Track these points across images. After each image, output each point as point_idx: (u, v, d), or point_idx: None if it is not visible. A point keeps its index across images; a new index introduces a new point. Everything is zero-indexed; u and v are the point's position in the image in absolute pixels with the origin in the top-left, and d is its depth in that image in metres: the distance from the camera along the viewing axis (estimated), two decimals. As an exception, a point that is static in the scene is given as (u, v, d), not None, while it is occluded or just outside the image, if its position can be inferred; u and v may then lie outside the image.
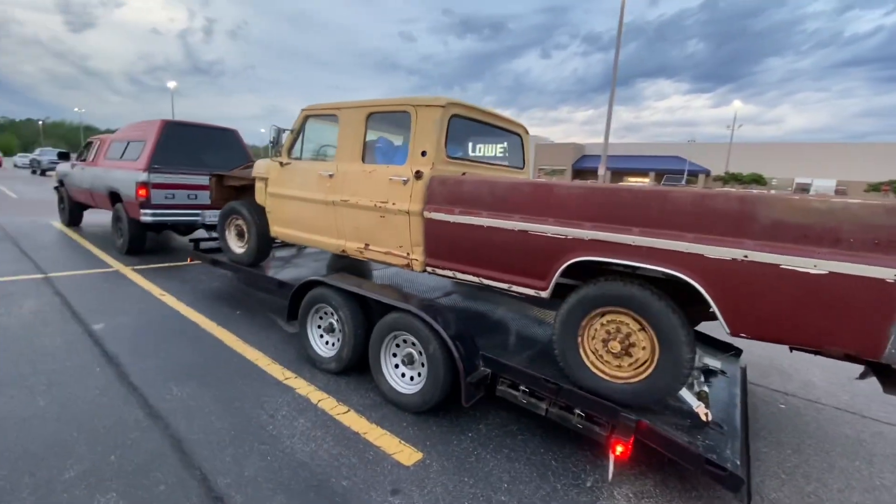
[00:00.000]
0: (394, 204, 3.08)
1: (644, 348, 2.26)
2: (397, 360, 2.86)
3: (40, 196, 13.45)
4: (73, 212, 8.54)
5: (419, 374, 2.73)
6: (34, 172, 27.54)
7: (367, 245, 3.38)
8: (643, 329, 2.24)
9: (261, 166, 4.19)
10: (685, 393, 2.44)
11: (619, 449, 2.06)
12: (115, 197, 6.50)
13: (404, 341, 2.81)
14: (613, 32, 18.43)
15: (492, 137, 4.17)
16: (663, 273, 2.12)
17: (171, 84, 40.23)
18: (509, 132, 4.01)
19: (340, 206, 3.44)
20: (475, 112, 3.37)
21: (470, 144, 4.14)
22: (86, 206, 8.37)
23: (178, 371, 3.05)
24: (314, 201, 3.64)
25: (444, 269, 2.96)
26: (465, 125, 3.54)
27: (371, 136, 3.57)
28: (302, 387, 2.94)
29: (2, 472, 1.98)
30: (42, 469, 2.02)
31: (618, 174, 47.49)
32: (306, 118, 3.83)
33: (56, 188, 9.00)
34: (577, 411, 2.33)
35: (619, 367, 2.34)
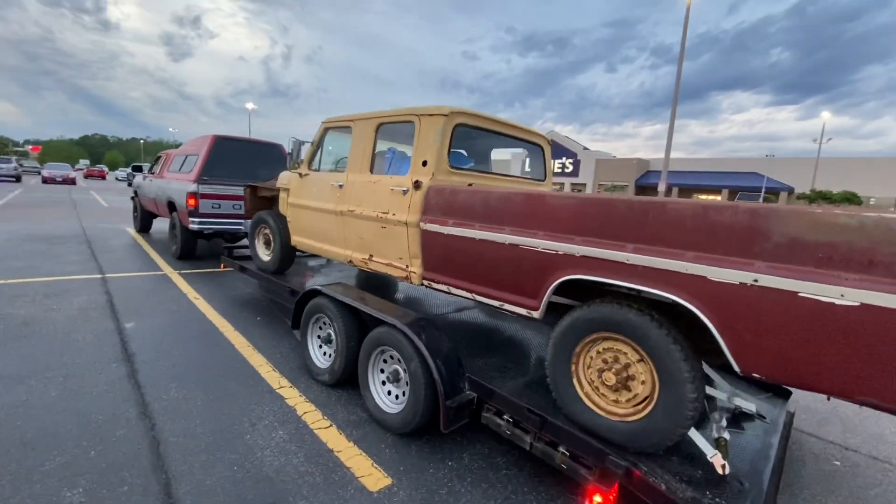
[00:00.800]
0: (394, 214, 3.01)
1: (643, 382, 1.98)
2: (384, 377, 2.74)
3: (126, 205, 15.01)
4: (143, 219, 9.41)
5: (403, 394, 2.59)
6: (129, 185, 31.13)
7: (371, 256, 3.32)
8: (643, 360, 1.96)
9: (283, 177, 4.32)
10: (699, 439, 2.09)
11: (598, 499, 1.78)
12: (171, 206, 7.05)
13: (391, 357, 2.69)
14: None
15: (509, 149, 3.98)
16: (659, 297, 1.84)
17: (250, 105, 43.88)
18: (529, 143, 3.81)
19: (347, 216, 3.43)
20: (485, 121, 3.23)
21: (484, 155, 3.99)
22: (154, 215, 9.18)
23: (184, 372, 3.14)
24: (326, 211, 3.67)
25: (439, 282, 2.82)
26: (477, 136, 3.42)
27: (382, 146, 3.55)
28: (293, 397, 2.91)
29: (-8, 458, 2.10)
30: (28, 458, 2.12)
31: (685, 191, 44.68)
32: (326, 130, 3.89)
33: (132, 198, 9.99)
34: (562, 449, 2.07)
35: (617, 402, 2.06)
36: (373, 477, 2.17)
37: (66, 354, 3.28)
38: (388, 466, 2.26)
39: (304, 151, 3.95)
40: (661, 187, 18.75)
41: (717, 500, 1.81)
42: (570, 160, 51.78)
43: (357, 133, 3.48)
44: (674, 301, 1.78)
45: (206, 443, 2.34)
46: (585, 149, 51.30)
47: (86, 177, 37.96)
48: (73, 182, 26.35)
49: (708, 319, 1.69)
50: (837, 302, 1.42)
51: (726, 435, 2.22)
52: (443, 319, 3.54)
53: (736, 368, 1.69)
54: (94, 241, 8.07)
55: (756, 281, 1.57)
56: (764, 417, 2.62)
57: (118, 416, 2.53)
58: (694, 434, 2.09)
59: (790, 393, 2.94)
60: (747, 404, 2.63)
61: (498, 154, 4.43)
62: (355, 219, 3.36)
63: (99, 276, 5.62)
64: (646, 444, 1.94)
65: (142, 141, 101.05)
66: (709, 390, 2.39)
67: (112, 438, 2.32)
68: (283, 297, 4.24)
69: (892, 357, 1.36)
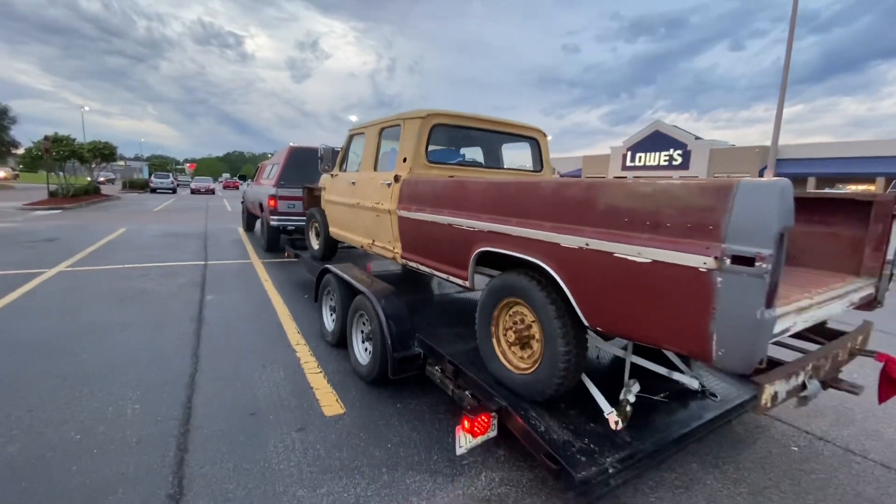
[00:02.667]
0: (381, 204, 3.58)
1: (538, 341, 2.28)
2: (363, 336, 3.32)
3: (245, 210, 17.86)
4: (248, 220, 11.28)
5: (373, 348, 3.14)
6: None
7: (373, 241, 3.93)
8: (536, 321, 2.27)
9: (323, 179, 5.15)
10: (599, 398, 2.31)
11: (466, 424, 2.13)
12: (261, 207, 8.48)
13: (367, 320, 3.26)
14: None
15: (500, 143, 4.29)
16: (531, 262, 2.14)
17: (353, 118, 48.18)
18: (520, 136, 4.11)
19: (357, 207, 4.09)
20: (464, 120, 3.63)
21: (483, 150, 4.35)
22: (256, 216, 10.97)
23: (232, 330, 4.07)
24: (346, 205, 4.38)
25: (411, 260, 3.32)
26: (457, 134, 3.84)
27: (386, 147, 4.14)
28: (303, 352, 3.63)
29: (70, 381, 3.12)
30: (113, 374, 3.10)
31: (826, 181, 37.83)
32: (351, 137, 4.61)
33: (242, 202, 12.01)
34: (468, 392, 2.44)
35: (522, 358, 2.39)
36: (332, 407, 2.77)
37: (159, 314, 4.44)
38: (347, 402, 2.84)
39: (332, 156, 4.71)
40: (768, 176, 16.67)
41: (591, 445, 2.05)
42: (679, 151, 46.80)
43: (367, 137, 4.13)
44: (539, 265, 2.07)
45: (226, 376, 3.15)
46: (697, 138, 46.07)
47: (224, 187, 45.10)
48: (212, 192, 31.61)
49: (561, 280, 1.97)
50: (637, 259, 1.65)
51: (631, 398, 2.38)
52: (442, 299, 4.02)
53: (585, 323, 1.94)
54: (210, 237, 9.98)
55: (587, 244, 1.83)
56: (715, 396, 2.66)
57: (177, 354, 3.48)
58: (595, 393, 2.33)
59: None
60: (690, 381, 2.70)
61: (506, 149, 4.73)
62: (361, 209, 4.00)
63: (203, 262, 7.11)
64: (535, 393, 2.23)
65: (269, 155, 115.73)
66: (636, 360, 2.55)
67: (167, 367, 3.24)
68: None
69: (674, 306, 1.55)
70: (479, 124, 3.75)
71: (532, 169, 4.32)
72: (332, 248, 5.37)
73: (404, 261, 3.44)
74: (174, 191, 31.27)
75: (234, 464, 2.18)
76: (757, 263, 1.31)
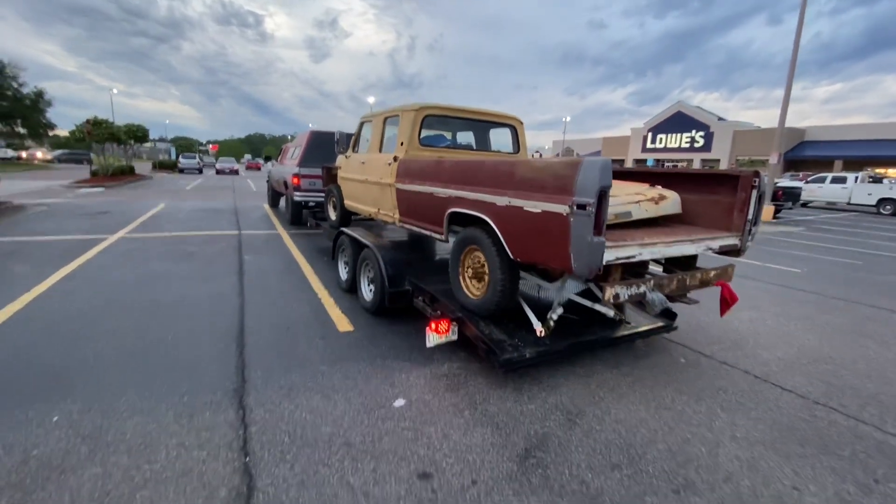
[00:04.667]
0: (384, 179, 4.53)
1: (487, 274, 3.22)
2: (368, 280, 4.33)
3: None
4: (273, 198, 12.40)
5: (374, 288, 4.15)
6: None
7: (379, 210, 4.90)
8: (487, 260, 3.21)
9: (339, 159, 6.13)
10: (530, 314, 3.25)
11: (433, 325, 3.10)
12: (285, 185, 9.54)
13: (371, 268, 4.26)
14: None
15: (487, 130, 5.16)
16: (479, 217, 3.06)
17: (371, 99, 48.84)
18: (500, 124, 4.98)
19: (366, 182, 5.05)
20: (451, 111, 4.53)
21: (470, 136, 5.23)
22: (280, 193, 12.07)
23: (268, 281, 5.13)
24: (358, 181, 5.35)
25: (406, 223, 4.28)
26: (448, 122, 4.73)
27: (389, 133, 5.07)
28: (323, 295, 4.67)
29: (158, 305, 4.21)
30: (175, 309, 4.18)
31: (855, 164, 36.56)
32: (362, 123, 5.55)
33: (267, 181, 13.13)
34: (438, 311, 3.41)
35: (478, 288, 3.34)
36: (345, 326, 3.79)
37: (209, 268, 5.54)
38: (356, 323, 3.86)
39: (346, 140, 5.67)
40: (774, 160, 16.97)
41: (519, 343, 3.01)
42: (701, 133, 45.44)
43: (374, 124, 5.06)
44: (484, 219, 3.00)
45: (266, 307, 4.20)
46: (720, 119, 44.64)
47: (247, 168, 46.72)
48: (236, 172, 33.06)
49: (497, 229, 2.90)
50: (534, 210, 2.56)
51: (554, 316, 3.31)
52: (433, 256, 5.00)
53: (511, 256, 2.87)
54: (240, 212, 11.14)
55: (510, 203, 2.75)
56: (629, 323, 3.59)
57: (228, 294, 4.56)
58: (528, 311, 3.27)
59: (675, 315, 3.76)
60: (607, 311, 3.60)
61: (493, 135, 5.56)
62: (369, 184, 4.96)
63: (237, 232, 8.24)
64: (483, 310, 3.19)
65: (289, 136, 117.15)
66: (571, 296, 3.46)
67: (222, 301, 4.32)
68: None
69: (552, 238, 2.47)
70: (462, 114, 4.64)
71: (512, 151, 5.20)
72: (347, 219, 6.36)
73: (401, 224, 4.41)
74: (200, 171, 32.81)
75: (277, 353, 3.22)
76: (587, 208, 2.22)
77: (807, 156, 41.72)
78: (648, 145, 49.25)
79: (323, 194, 8.80)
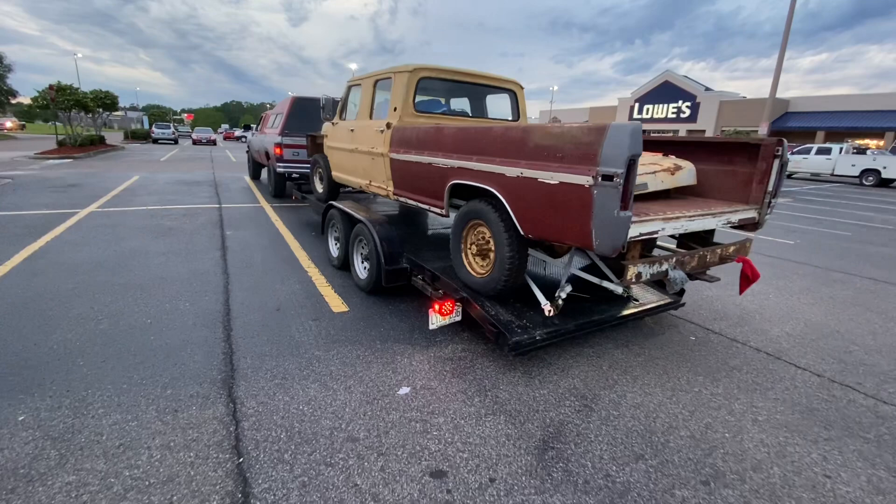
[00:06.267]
0: (376, 148, 4.21)
1: (492, 251, 3.00)
2: (362, 257, 4.07)
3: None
4: (254, 168, 11.85)
5: (369, 265, 3.90)
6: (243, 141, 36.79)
7: (370, 182, 4.60)
8: (492, 236, 2.98)
9: (325, 127, 5.73)
10: (538, 293, 3.06)
11: (436, 307, 2.90)
12: (267, 155, 9.05)
13: (365, 244, 4.00)
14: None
15: (483, 95, 4.83)
16: (485, 189, 2.82)
17: (353, 66, 46.96)
18: (498, 89, 4.65)
19: (355, 152, 4.72)
20: (448, 73, 4.18)
21: (469, 102, 4.90)
22: (262, 164, 11.53)
23: (253, 257, 4.83)
24: (346, 150, 5.00)
25: (402, 196, 4.01)
26: (443, 86, 4.39)
27: (380, 98, 4.70)
28: (313, 272, 4.41)
29: (131, 289, 3.91)
30: (161, 286, 3.89)
31: (837, 135, 36.92)
32: (349, 88, 5.15)
33: (246, 152, 12.51)
34: (441, 291, 3.20)
35: (482, 266, 3.13)
36: (338, 307, 3.56)
37: (189, 244, 5.20)
38: (350, 303, 3.64)
39: (333, 105, 5.27)
40: (763, 130, 16.93)
41: (527, 324, 2.82)
42: (688, 104, 45.15)
43: (363, 88, 4.68)
44: (492, 192, 2.75)
45: (253, 286, 3.93)
46: (707, 89, 44.34)
47: (225, 138, 44.97)
48: (213, 143, 31.76)
49: (506, 202, 2.66)
50: (550, 182, 2.33)
51: (563, 294, 3.14)
52: (433, 230, 4.75)
53: (521, 232, 2.65)
54: (220, 184, 10.62)
55: (522, 173, 2.50)
56: (636, 300, 3.43)
57: (211, 272, 4.26)
58: (535, 290, 3.08)
59: (683, 292, 3.62)
60: (615, 288, 3.44)
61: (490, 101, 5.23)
62: (359, 154, 4.63)
63: (217, 205, 7.81)
64: (489, 289, 2.99)
65: (268, 105, 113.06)
66: (577, 272, 3.28)
67: (205, 280, 4.03)
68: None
69: (571, 213, 2.25)
70: (461, 77, 4.29)
71: (511, 118, 4.89)
72: (335, 191, 6.03)
73: (396, 197, 4.12)
74: (176, 141, 31.42)
75: (267, 337, 2.99)
76: (614, 179, 2.00)
77: (791, 127, 41.92)
78: (635, 115, 48.86)
79: (307, 165, 8.41)
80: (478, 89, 4.71)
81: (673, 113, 46.74)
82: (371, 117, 4.54)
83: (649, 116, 47.94)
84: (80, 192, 8.54)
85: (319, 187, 6.26)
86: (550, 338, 2.80)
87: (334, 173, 5.62)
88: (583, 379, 2.69)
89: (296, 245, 5.41)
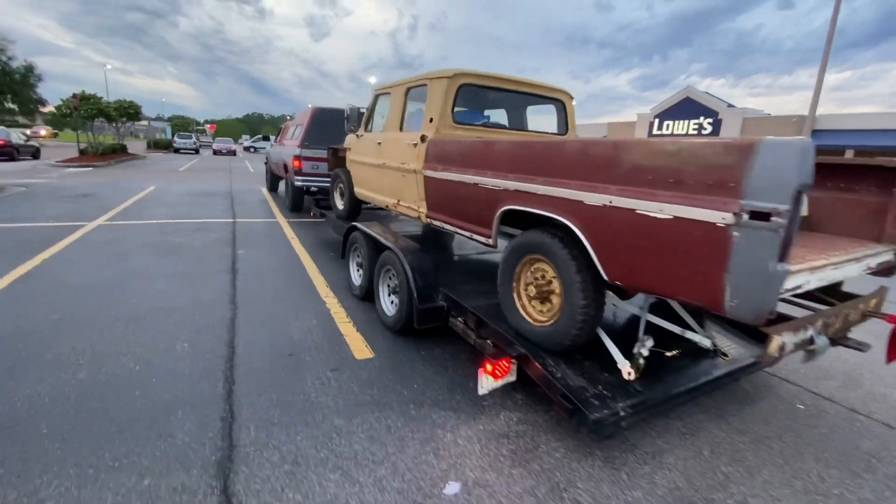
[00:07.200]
0: (408, 164, 3.67)
1: (558, 295, 2.40)
2: (389, 290, 3.50)
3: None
4: (272, 180, 11.49)
5: (398, 300, 3.33)
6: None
7: (398, 201, 4.05)
8: (557, 277, 2.38)
9: (348, 139, 5.24)
10: (614, 350, 2.45)
11: (489, 367, 2.30)
12: (286, 168, 8.64)
13: (393, 274, 3.43)
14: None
15: (524, 105, 4.28)
16: (556, 220, 2.23)
17: (372, 79, 47.30)
18: (546, 98, 4.09)
19: (382, 168, 4.19)
20: (491, 80, 3.64)
21: (509, 112, 4.35)
22: (280, 177, 11.16)
23: (265, 282, 4.31)
24: (372, 165, 4.48)
25: (436, 219, 3.44)
26: (486, 94, 3.85)
27: (412, 108, 4.18)
28: (332, 304, 3.85)
29: (124, 321, 3.40)
30: (160, 316, 3.37)
31: (867, 154, 35.46)
32: (377, 97, 4.65)
33: (265, 163, 12.19)
34: (490, 342, 2.60)
35: (541, 312, 2.52)
36: (362, 351, 2.98)
37: (196, 265, 4.71)
38: (375, 348, 3.05)
39: (357, 116, 4.78)
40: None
41: (604, 392, 2.21)
42: (709, 120, 44.21)
43: (393, 97, 4.17)
44: (563, 223, 2.17)
45: (263, 321, 3.39)
46: (730, 106, 43.43)
47: (245, 149, 45.37)
48: (233, 153, 31.91)
49: (583, 236, 2.07)
50: (658, 216, 1.73)
51: (644, 352, 2.51)
52: (464, 258, 4.15)
53: (605, 278, 2.05)
54: (236, 196, 10.25)
55: (611, 202, 1.91)
56: (725, 355, 2.78)
57: (217, 300, 3.74)
58: (609, 345, 2.46)
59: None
60: (703, 340, 2.81)
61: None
62: (387, 170, 4.10)
63: (231, 220, 7.38)
64: (553, 343, 2.38)
65: (288, 117, 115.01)
66: (651, 318, 2.67)
67: (209, 311, 3.50)
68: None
69: (692, 260, 1.65)
70: (506, 85, 3.75)
71: (557, 132, 4.32)
72: (357, 208, 5.51)
73: (429, 220, 3.56)
74: (197, 151, 31.66)
75: (277, 395, 2.42)
76: (773, 219, 1.39)
77: (820, 145, 40.42)
78: (655, 131, 48.14)
79: (327, 179, 7.95)
80: (522, 98, 4.16)
81: (694, 129, 45.87)
82: (401, 129, 4.02)
83: (669, 133, 47.26)
84: (92, 203, 8.21)
85: (340, 204, 5.76)
86: (637, 412, 2.16)
87: (357, 189, 5.10)
88: (682, 471, 2.05)
89: (313, 268, 4.88)
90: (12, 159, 17.04)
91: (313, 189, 8.01)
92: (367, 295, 3.84)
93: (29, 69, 34.38)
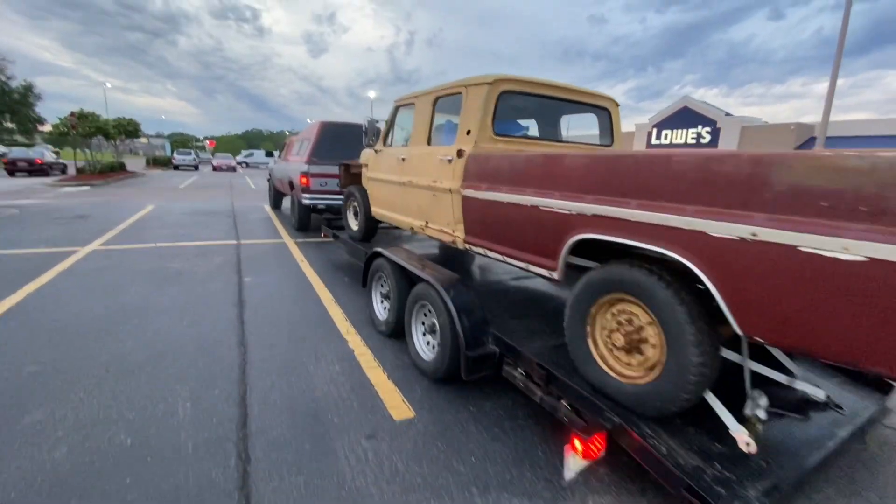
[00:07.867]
0: (440, 182, 3.22)
1: (654, 346, 1.92)
2: (424, 328, 3.02)
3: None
4: (276, 198, 11.05)
5: (438, 344, 2.84)
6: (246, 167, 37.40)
7: (427, 223, 3.59)
8: (653, 323, 1.90)
9: (364, 154, 4.80)
10: (724, 414, 1.95)
11: (578, 446, 1.81)
12: (291, 185, 8.20)
13: (430, 311, 2.95)
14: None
15: (559, 114, 3.84)
16: (661, 255, 1.76)
17: (372, 94, 47.30)
18: (591, 106, 3.65)
19: (408, 186, 3.74)
20: (534, 87, 3.21)
21: (546, 122, 3.92)
22: (283, 194, 10.72)
23: (277, 317, 3.82)
24: (394, 183, 4.03)
25: (477, 245, 2.98)
26: (529, 102, 3.41)
27: (440, 119, 3.75)
28: (355, 343, 3.36)
29: (115, 373, 2.90)
30: (159, 363, 2.88)
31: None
32: (397, 108, 4.22)
33: (268, 180, 11.77)
34: (564, 402, 2.11)
35: (629, 364, 2.04)
36: (400, 409, 2.48)
37: (199, 297, 4.22)
38: (414, 403, 2.55)
39: (376, 130, 4.34)
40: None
41: (726, 473, 1.72)
42: (707, 129, 44.28)
43: (418, 108, 3.73)
44: (674, 258, 1.70)
45: (279, 369, 2.89)
46: (727, 115, 43.45)
47: (237, 164, 45.05)
48: (233, 169, 31.62)
49: (707, 277, 1.60)
50: (841, 256, 1.26)
51: (761, 414, 2.03)
52: (499, 286, 3.67)
53: (738, 331, 1.58)
54: (238, 215, 9.80)
55: (755, 235, 1.44)
56: (840, 408, 2.30)
57: (223, 342, 3.24)
58: (718, 407, 1.97)
59: (892, 388, 2.49)
60: (815, 391, 2.33)
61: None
62: (414, 188, 3.64)
63: (235, 242, 6.91)
64: (650, 408, 1.90)
65: (287, 132, 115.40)
66: (756, 367, 2.19)
67: (215, 357, 3.01)
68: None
69: (900, 319, 1.18)
70: (550, 91, 3.32)
71: (600, 143, 3.88)
72: (373, 229, 5.06)
73: (467, 245, 3.10)
74: (196, 167, 31.35)
75: (304, 479, 1.92)
76: None
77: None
78: (653, 141, 48.25)
79: (336, 196, 7.50)
80: (563, 107, 3.72)
81: (692, 138, 45.95)
82: (429, 143, 3.57)
83: (668, 142, 47.34)
84: (87, 225, 7.74)
85: (354, 224, 5.30)
86: (773, 502, 1.67)
87: (375, 209, 4.65)
88: (848, 586, 1.55)
89: (328, 298, 4.39)
90: (46, 175, 19.21)
91: (321, 207, 7.57)
92: (396, 331, 3.35)
93: (28, 88, 34.32)
